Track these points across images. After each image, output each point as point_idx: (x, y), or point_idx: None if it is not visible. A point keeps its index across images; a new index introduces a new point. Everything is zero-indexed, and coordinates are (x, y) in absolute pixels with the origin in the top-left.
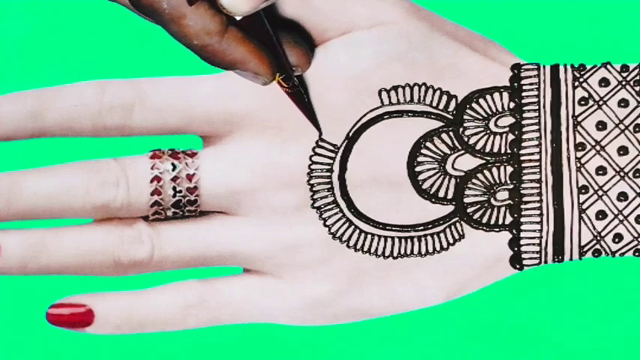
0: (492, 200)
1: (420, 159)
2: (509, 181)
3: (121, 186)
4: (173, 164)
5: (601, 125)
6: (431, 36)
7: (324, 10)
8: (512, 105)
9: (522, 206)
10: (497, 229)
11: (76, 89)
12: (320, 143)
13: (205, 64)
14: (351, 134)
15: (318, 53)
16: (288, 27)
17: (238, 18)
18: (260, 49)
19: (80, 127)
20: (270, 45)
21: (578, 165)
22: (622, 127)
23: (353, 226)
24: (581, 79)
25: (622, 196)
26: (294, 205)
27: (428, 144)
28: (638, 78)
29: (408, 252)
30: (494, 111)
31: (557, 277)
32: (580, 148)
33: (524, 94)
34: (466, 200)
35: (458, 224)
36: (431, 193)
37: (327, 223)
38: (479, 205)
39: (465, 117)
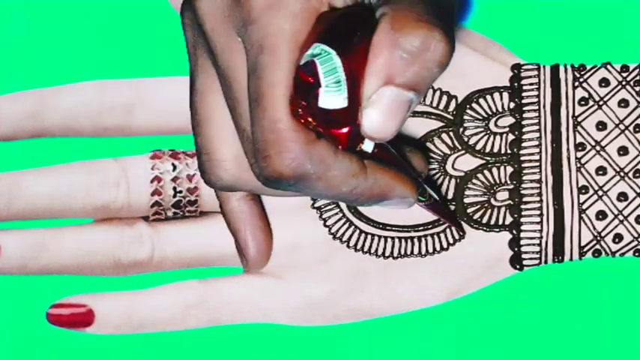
0: (492, 200)
1: None
2: (509, 181)
3: (121, 186)
4: (173, 164)
5: (601, 125)
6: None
7: None
8: (512, 105)
9: (522, 206)
10: (497, 230)
11: (76, 89)
12: None
13: None
14: None
15: None
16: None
17: (370, 149)
18: (399, 172)
19: (80, 127)
20: (400, 165)
21: (578, 165)
22: (622, 127)
23: (353, 226)
24: (581, 79)
25: (622, 196)
26: (294, 205)
27: (428, 144)
28: (638, 78)
29: (408, 252)
30: (495, 111)
31: (557, 277)
32: (580, 148)
33: (524, 94)
34: (466, 200)
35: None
36: None
37: (327, 223)
38: (479, 206)
39: (465, 117)
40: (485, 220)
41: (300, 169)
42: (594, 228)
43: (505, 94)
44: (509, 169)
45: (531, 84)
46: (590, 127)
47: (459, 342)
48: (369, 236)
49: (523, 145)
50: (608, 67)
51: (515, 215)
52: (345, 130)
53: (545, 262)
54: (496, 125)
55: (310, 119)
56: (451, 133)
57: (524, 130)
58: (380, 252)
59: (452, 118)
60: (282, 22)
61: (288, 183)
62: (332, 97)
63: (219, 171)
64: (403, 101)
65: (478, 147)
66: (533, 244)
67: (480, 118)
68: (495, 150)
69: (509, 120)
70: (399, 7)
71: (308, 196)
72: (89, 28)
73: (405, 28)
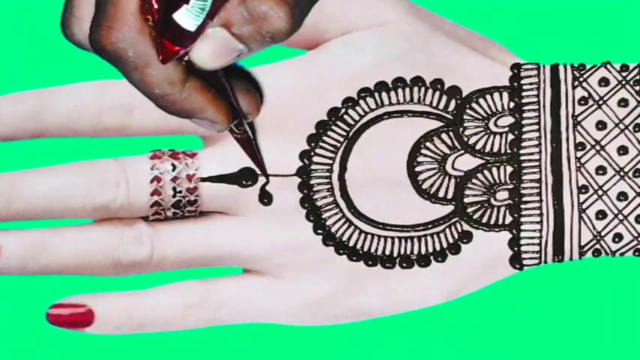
0: (492, 200)
1: (419, 159)
2: (509, 181)
3: (121, 186)
4: (173, 164)
5: (601, 125)
6: (431, 36)
7: (324, 11)
8: (512, 105)
9: (522, 206)
10: (497, 229)
11: (76, 89)
12: (320, 143)
13: None
14: (350, 134)
15: (318, 53)
16: (239, 74)
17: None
18: (218, 98)
19: (80, 128)
20: (224, 93)
21: (578, 165)
22: (622, 126)
23: (353, 226)
24: (581, 79)
25: (622, 195)
26: (294, 205)
27: (428, 144)
28: (638, 78)
29: (408, 252)
30: (494, 111)
31: (557, 277)
32: (580, 147)
33: (524, 93)
34: (466, 200)
35: (458, 224)
36: (431, 193)
37: (327, 223)
38: (479, 205)
39: (465, 117)
40: (485, 220)
41: (121, 51)
42: (594, 228)
43: (505, 94)
44: (509, 169)
45: (531, 84)
46: (589, 127)
47: (459, 342)
48: (369, 236)
49: (523, 144)
50: (608, 66)
51: (515, 215)
52: (176, 48)
53: (545, 261)
54: (496, 125)
55: (153, 18)
56: (451, 133)
57: (523, 129)
58: (380, 252)
59: (452, 117)
60: None
61: (108, 58)
62: (188, 17)
63: (75, 27)
64: (231, 47)
65: (478, 147)
66: (533, 244)
67: (480, 117)
68: (495, 150)
69: (509, 120)
70: None
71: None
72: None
73: None
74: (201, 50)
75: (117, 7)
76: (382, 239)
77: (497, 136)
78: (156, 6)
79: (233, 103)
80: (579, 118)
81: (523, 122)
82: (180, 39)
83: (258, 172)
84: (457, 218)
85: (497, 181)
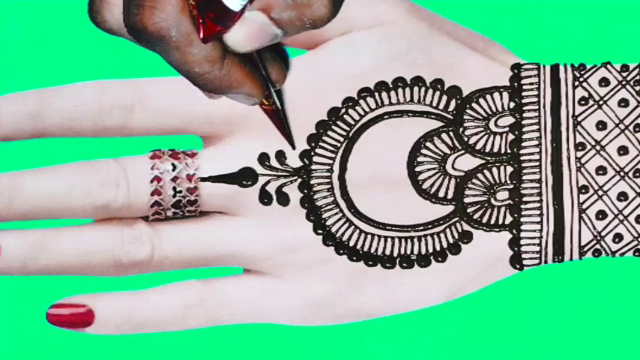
0: (492, 200)
1: (420, 159)
2: (509, 181)
3: (121, 186)
4: (173, 164)
5: (601, 125)
6: (431, 36)
7: None
8: (512, 105)
9: (522, 206)
10: (497, 229)
11: (75, 89)
12: (320, 143)
13: None
14: (351, 134)
15: (318, 53)
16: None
17: None
18: (253, 72)
19: (80, 128)
20: (255, 64)
21: (578, 165)
22: (622, 126)
23: (353, 226)
24: (581, 79)
25: (622, 196)
26: (295, 205)
27: (428, 144)
28: (638, 78)
29: (408, 252)
30: (495, 111)
31: (557, 277)
32: (580, 147)
33: (524, 93)
34: (466, 200)
35: (458, 224)
36: (431, 193)
37: (327, 223)
38: (479, 205)
39: (465, 117)
40: (485, 220)
41: (164, 31)
42: (594, 228)
43: (505, 94)
44: (509, 169)
45: (531, 84)
46: (590, 127)
47: (459, 342)
48: (369, 236)
49: (523, 144)
50: (608, 66)
51: (515, 215)
52: (218, 27)
53: (545, 262)
54: (496, 125)
55: None
56: (451, 133)
57: (524, 129)
58: (380, 252)
59: (452, 117)
60: None
61: (148, 39)
62: None
63: (106, 13)
64: (268, 32)
65: (478, 147)
66: (533, 244)
67: (480, 117)
68: (495, 150)
69: (509, 120)
70: None
71: (163, 59)
72: (89, 28)
73: None
74: (237, 33)
75: None
76: (382, 239)
77: (498, 136)
78: None
79: (263, 74)
80: (579, 118)
81: (523, 122)
82: (224, 18)
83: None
84: (457, 218)
85: (498, 181)
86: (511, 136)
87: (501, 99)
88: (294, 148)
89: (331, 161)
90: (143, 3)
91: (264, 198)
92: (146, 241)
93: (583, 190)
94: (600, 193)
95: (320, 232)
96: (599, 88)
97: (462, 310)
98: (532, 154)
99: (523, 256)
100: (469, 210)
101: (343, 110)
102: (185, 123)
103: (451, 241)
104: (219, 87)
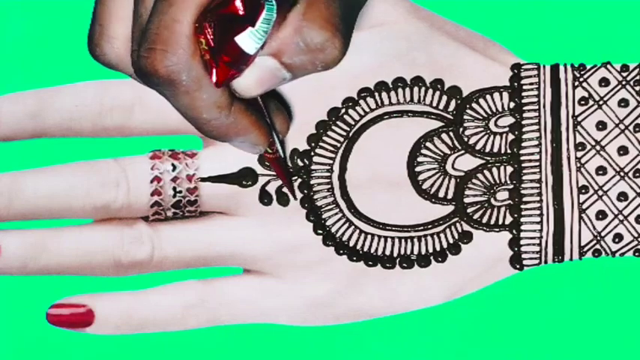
0: (492, 200)
1: (420, 159)
2: (509, 181)
3: (121, 186)
4: (173, 165)
5: (601, 125)
6: (431, 36)
7: None
8: (512, 105)
9: (522, 206)
10: (497, 229)
11: (75, 89)
12: (320, 143)
13: None
14: (351, 134)
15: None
16: (269, 93)
17: None
18: (259, 120)
19: (80, 128)
20: (261, 113)
21: (578, 165)
22: (622, 126)
23: (353, 226)
24: (581, 79)
25: (622, 196)
26: (295, 205)
27: (428, 144)
28: (638, 78)
29: (408, 252)
30: (494, 111)
31: (557, 277)
32: (580, 147)
33: (524, 93)
34: (466, 200)
35: (458, 224)
36: (431, 193)
37: (327, 223)
38: (479, 205)
39: (465, 117)
40: (485, 220)
41: (174, 75)
42: (594, 228)
43: (505, 94)
44: (509, 169)
45: (531, 84)
46: (590, 127)
47: (459, 342)
48: (369, 236)
49: (523, 144)
50: (608, 66)
51: (515, 215)
52: (232, 72)
53: (545, 262)
54: (496, 125)
55: (207, 41)
56: (451, 133)
57: (524, 129)
58: (380, 252)
59: (452, 117)
60: None
61: (157, 82)
62: (251, 41)
63: (106, 46)
64: (277, 76)
65: (478, 147)
66: (533, 244)
67: (480, 117)
68: (495, 150)
69: (509, 120)
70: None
71: (170, 103)
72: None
73: (314, 22)
74: (247, 78)
75: (171, 30)
76: (382, 239)
77: (498, 136)
78: (210, 29)
79: (268, 123)
80: (579, 119)
81: (523, 122)
82: (239, 62)
83: (285, 189)
84: (457, 218)
85: (498, 181)
86: (511, 136)
87: (501, 99)
88: (295, 198)
89: (331, 161)
90: (155, 47)
91: (264, 198)
92: (146, 242)
93: (583, 190)
94: (600, 193)
95: (320, 232)
96: (599, 88)
97: (462, 310)
98: (532, 154)
99: (523, 256)
100: (469, 210)
101: (343, 110)
102: (185, 123)
103: (451, 241)
104: (226, 134)
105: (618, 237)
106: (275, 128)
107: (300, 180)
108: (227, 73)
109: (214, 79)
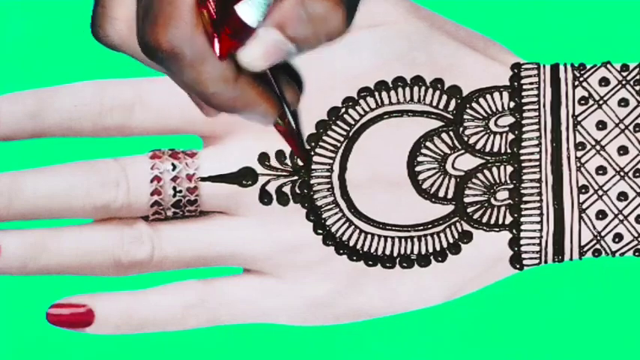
0: (492, 200)
1: (419, 159)
2: (509, 181)
3: (121, 186)
4: (173, 164)
5: (601, 125)
6: (431, 36)
7: None
8: (512, 104)
9: (522, 206)
10: (497, 229)
11: (75, 89)
12: (320, 143)
13: None
14: (351, 134)
15: (319, 53)
16: (280, 66)
17: None
18: (267, 90)
19: (80, 127)
20: (270, 85)
21: (578, 165)
22: (622, 126)
23: (353, 226)
24: (581, 79)
25: (622, 195)
26: (295, 205)
27: (428, 144)
28: (638, 77)
29: (408, 252)
30: (495, 110)
31: (557, 277)
32: (580, 147)
33: (524, 93)
34: (466, 200)
35: (458, 224)
36: (431, 192)
37: (327, 223)
38: (479, 205)
39: (465, 116)
40: (485, 220)
41: (178, 48)
42: (594, 227)
43: (505, 94)
44: (509, 169)
45: (531, 83)
46: (590, 127)
47: (459, 342)
48: (369, 236)
49: (523, 144)
50: (608, 66)
51: (515, 215)
52: (234, 43)
53: (545, 261)
54: (496, 125)
55: (209, 13)
56: (451, 133)
57: (524, 129)
58: (380, 252)
59: (452, 117)
60: None
61: (162, 56)
62: (252, 12)
63: (109, 28)
64: (282, 49)
65: (478, 146)
66: (533, 244)
67: (480, 117)
68: (495, 149)
69: (509, 119)
70: None
71: (176, 80)
72: (89, 28)
73: None
74: (252, 51)
75: (174, 4)
76: (382, 239)
77: (498, 136)
78: (212, 1)
79: (277, 94)
80: (579, 118)
81: (523, 122)
82: (240, 34)
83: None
84: (457, 218)
85: (498, 181)
86: (511, 136)
87: (501, 99)
88: (307, 162)
89: (331, 161)
90: (156, 20)
91: (264, 198)
92: (146, 241)
93: (583, 190)
94: (600, 192)
95: (320, 232)
96: (599, 88)
97: (462, 310)
98: (532, 153)
99: (523, 256)
100: (469, 210)
101: (343, 110)
102: (185, 123)
103: (451, 241)
104: (234, 107)
105: (618, 237)
106: (286, 100)
107: (300, 180)
108: (229, 45)
109: (217, 51)
